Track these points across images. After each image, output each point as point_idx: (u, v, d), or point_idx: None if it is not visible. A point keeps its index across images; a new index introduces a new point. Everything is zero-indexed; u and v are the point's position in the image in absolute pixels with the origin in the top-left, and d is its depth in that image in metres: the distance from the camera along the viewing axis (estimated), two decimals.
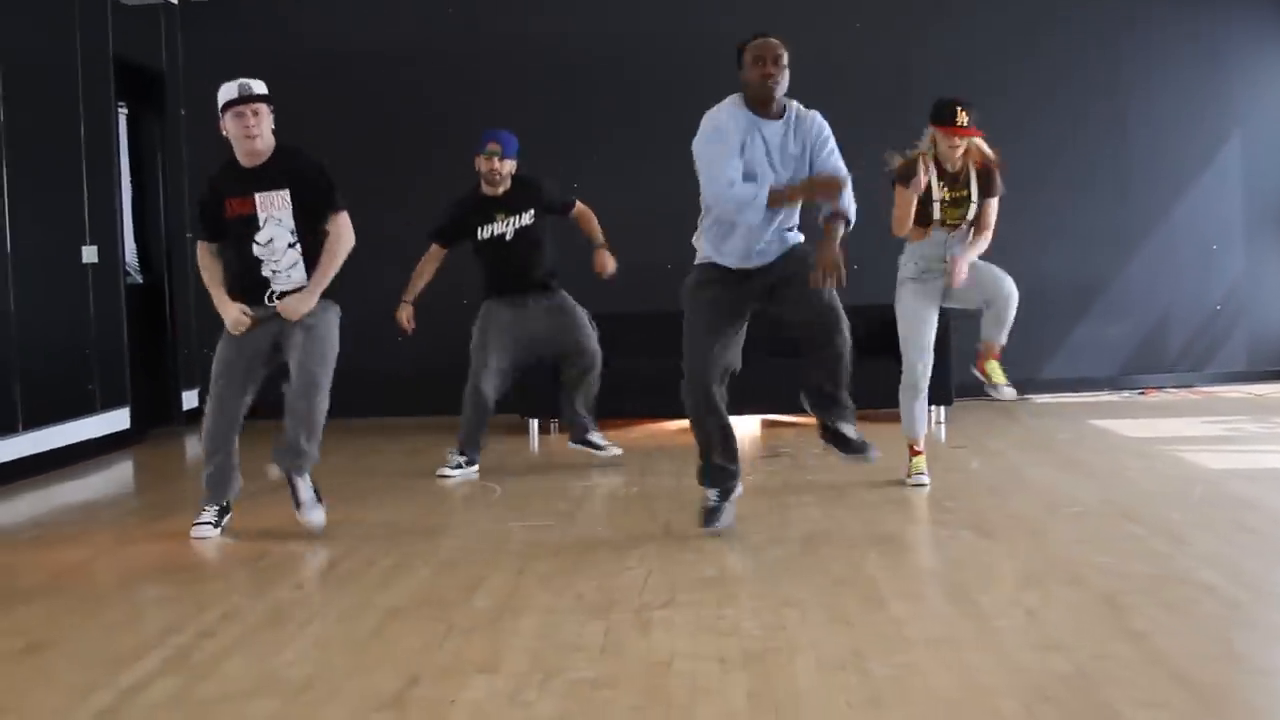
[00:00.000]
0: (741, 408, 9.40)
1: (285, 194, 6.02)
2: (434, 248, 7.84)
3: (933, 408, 9.24)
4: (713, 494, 5.97)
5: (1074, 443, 8.35)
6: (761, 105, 5.66)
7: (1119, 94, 10.96)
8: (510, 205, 7.67)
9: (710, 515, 5.94)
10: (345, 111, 10.71)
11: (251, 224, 6.01)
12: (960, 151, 6.74)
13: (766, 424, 9.67)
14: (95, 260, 9.37)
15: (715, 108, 5.73)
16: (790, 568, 5.38)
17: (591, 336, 7.83)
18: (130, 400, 9.78)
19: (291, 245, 6.06)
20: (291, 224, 6.04)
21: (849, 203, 5.69)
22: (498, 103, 10.35)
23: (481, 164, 7.64)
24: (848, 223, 5.71)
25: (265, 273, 6.07)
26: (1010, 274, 6.90)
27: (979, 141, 6.79)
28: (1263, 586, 4.96)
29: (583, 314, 7.87)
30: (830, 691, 3.80)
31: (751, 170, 5.63)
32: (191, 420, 10.78)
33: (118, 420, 9.62)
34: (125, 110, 10.36)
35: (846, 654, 4.15)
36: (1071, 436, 8.54)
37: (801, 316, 5.78)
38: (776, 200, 5.58)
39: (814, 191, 5.66)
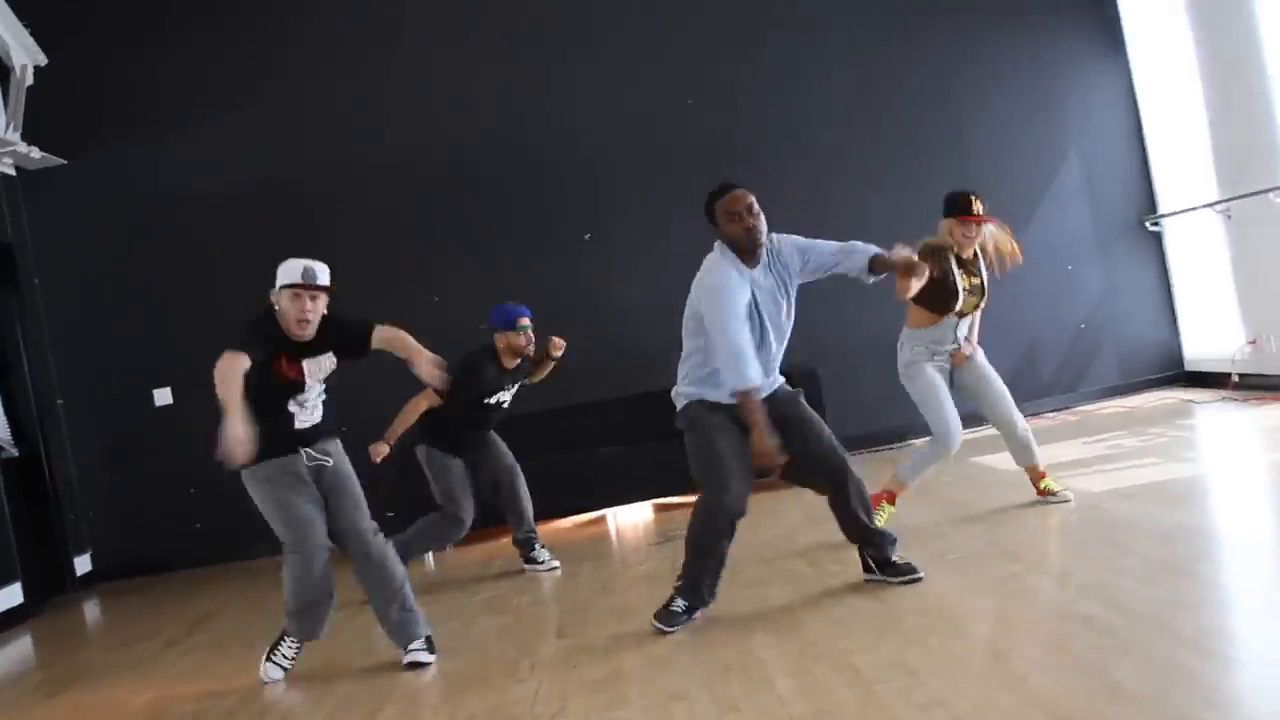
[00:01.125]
0: (631, 494, 9.57)
1: (331, 356, 6.07)
2: (430, 396, 7.75)
3: None
4: (680, 603, 5.93)
5: (955, 484, 8.41)
6: (748, 255, 5.76)
7: (956, 118, 11.18)
8: (515, 377, 7.90)
9: (673, 619, 5.88)
10: (189, 254, 10.70)
11: (296, 387, 5.99)
12: (975, 240, 7.00)
13: (657, 508, 9.66)
14: None
15: (713, 261, 5.79)
16: (679, 658, 5.38)
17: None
18: (20, 574, 9.58)
19: (321, 395, 6.12)
20: (324, 376, 6.08)
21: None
22: (335, 231, 10.44)
23: (521, 339, 7.69)
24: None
25: (296, 425, 6.03)
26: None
27: (992, 228, 7.09)
28: (1137, 608, 4.97)
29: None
30: None
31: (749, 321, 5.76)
32: (86, 584, 10.60)
33: (10, 596, 9.42)
34: None
35: None
36: (952, 478, 8.60)
37: (813, 455, 5.92)
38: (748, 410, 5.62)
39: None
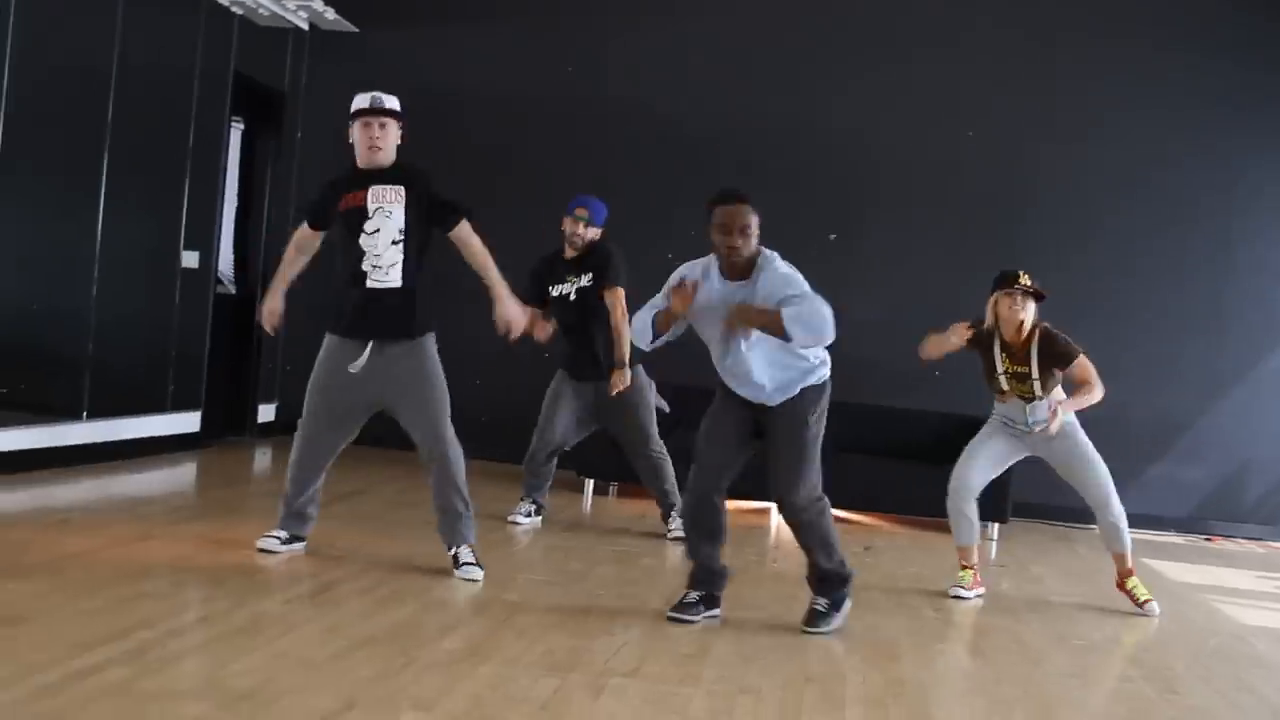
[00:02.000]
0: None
1: (401, 190, 6.04)
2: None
3: (986, 524, 9.18)
4: (693, 594, 5.93)
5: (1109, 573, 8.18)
6: (728, 270, 5.73)
7: (1227, 236, 10.77)
8: (580, 268, 7.83)
9: (681, 608, 5.87)
10: (453, 154, 10.90)
11: (361, 215, 6.01)
12: (1020, 316, 6.73)
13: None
14: (194, 265, 9.65)
15: (692, 263, 5.85)
16: (769, 659, 5.35)
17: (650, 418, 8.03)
18: (203, 404, 10.00)
19: (395, 242, 6.02)
20: (401, 222, 6.01)
21: (795, 329, 5.55)
22: (608, 166, 10.56)
23: (566, 224, 7.82)
24: (788, 336, 5.60)
25: (366, 265, 6.02)
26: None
27: (1032, 310, 6.77)
28: None
29: (648, 393, 8.03)
30: None
31: (714, 326, 5.73)
32: (265, 433, 11.00)
33: (187, 423, 9.84)
34: (241, 125, 10.67)
35: None
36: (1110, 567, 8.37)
37: (771, 471, 5.87)
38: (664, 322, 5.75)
39: (736, 325, 5.68)
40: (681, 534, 7.45)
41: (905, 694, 4.98)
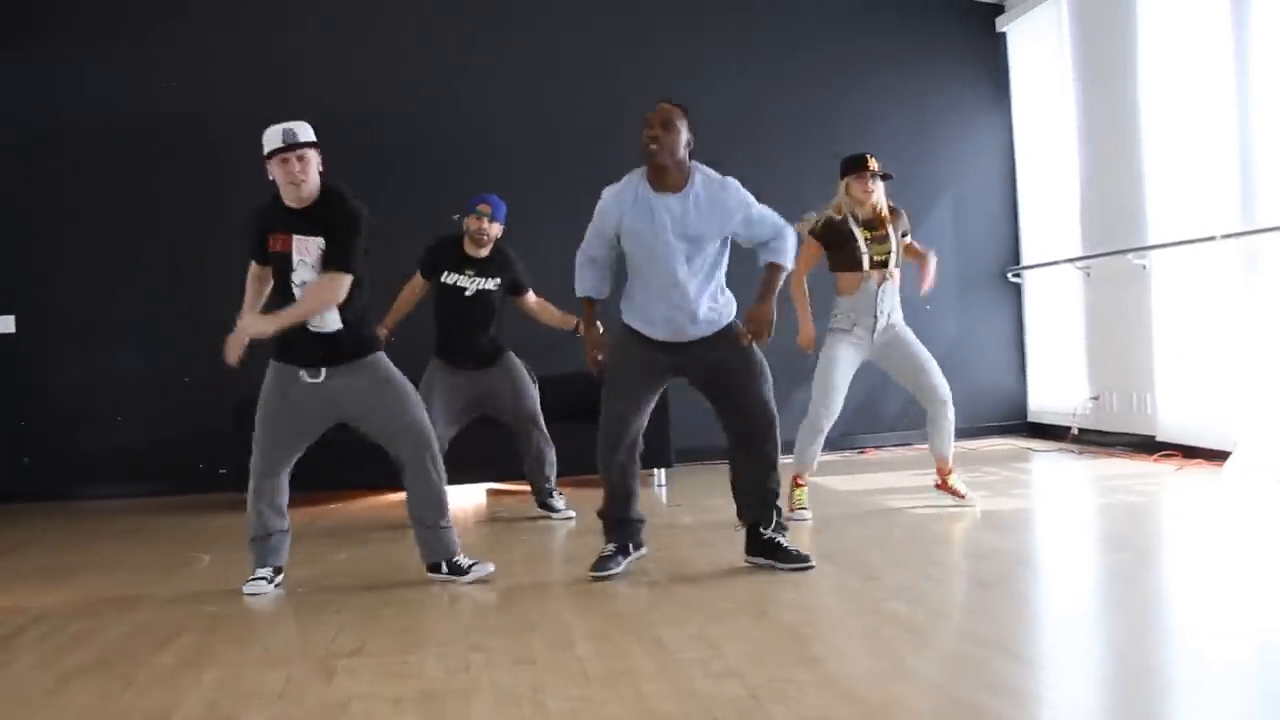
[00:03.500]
0: (464, 475, 9.47)
1: (320, 242, 5.77)
2: (417, 278, 8.00)
3: (654, 470, 9.37)
4: (609, 546, 5.97)
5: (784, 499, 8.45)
6: (655, 175, 5.69)
7: (834, 145, 11.14)
8: (484, 269, 7.83)
9: (600, 563, 5.91)
10: (56, 183, 10.43)
11: (287, 263, 5.78)
12: (873, 196, 7.27)
13: (491, 493, 9.61)
14: None
15: (614, 185, 5.79)
16: (485, 618, 5.34)
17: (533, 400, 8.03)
18: None
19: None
20: (314, 262, 5.79)
21: (787, 258, 5.83)
22: (212, 180, 10.25)
23: (471, 223, 7.74)
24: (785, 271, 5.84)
25: (309, 325, 5.82)
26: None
27: (883, 185, 7.40)
28: (944, 611, 5.10)
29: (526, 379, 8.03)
30: None
31: (652, 246, 5.69)
32: None
33: None
34: None
35: (525, 691, 4.10)
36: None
37: (734, 414, 5.90)
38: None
39: (764, 334, 5.83)
40: (569, 512, 7.87)
41: (628, 623, 5.02)
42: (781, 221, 5.86)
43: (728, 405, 5.93)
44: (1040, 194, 11.40)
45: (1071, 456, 9.89)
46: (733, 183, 5.79)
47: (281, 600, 5.91)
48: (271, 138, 5.75)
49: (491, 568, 6.09)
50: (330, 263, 5.74)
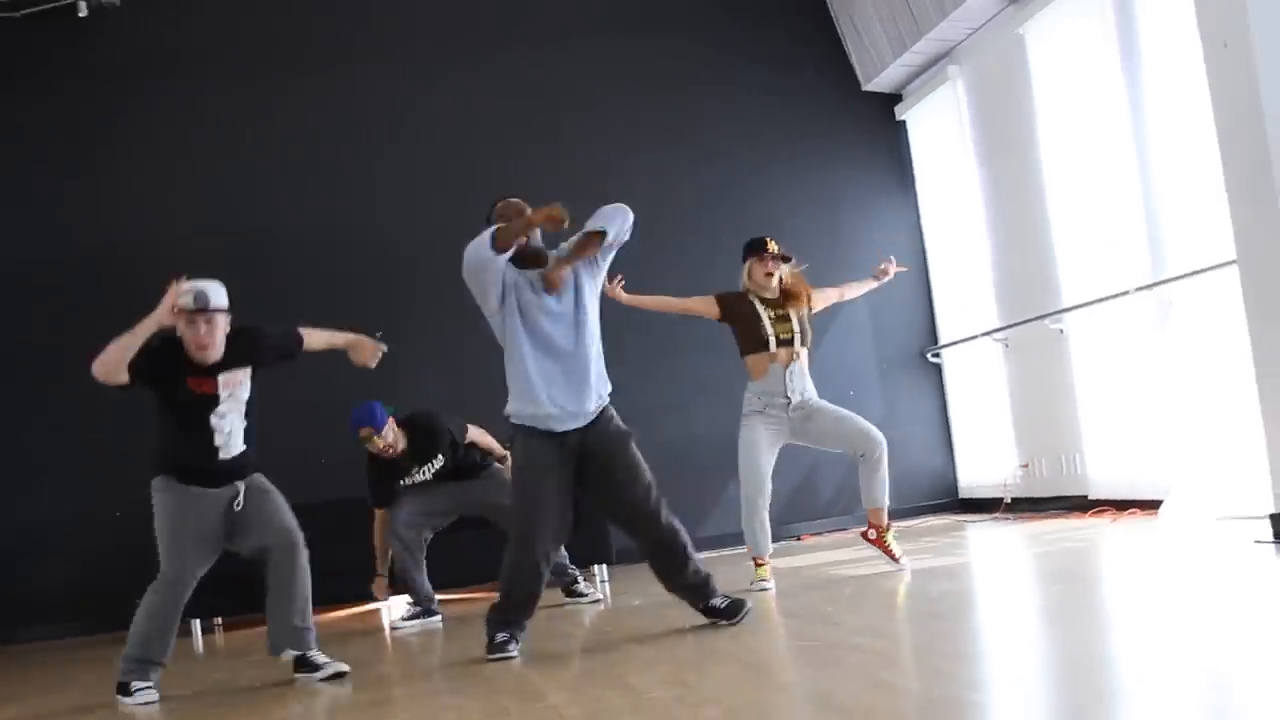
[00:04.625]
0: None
1: (247, 370, 5.96)
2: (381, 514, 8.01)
3: (596, 566, 9.33)
4: (503, 634, 5.85)
5: (733, 582, 8.46)
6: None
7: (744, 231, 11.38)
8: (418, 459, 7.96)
9: (500, 647, 5.77)
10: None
11: (212, 401, 5.87)
12: (774, 279, 7.45)
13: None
14: None
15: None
16: (456, 684, 5.37)
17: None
18: None
19: (244, 414, 5.98)
20: (247, 394, 5.98)
21: (615, 228, 5.83)
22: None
23: (372, 447, 7.79)
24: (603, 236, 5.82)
25: (217, 442, 5.89)
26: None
27: (786, 267, 7.53)
28: (905, 638, 5.22)
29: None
30: None
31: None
32: None
33: None
34: None
35: None
36: (731, 576, 8.67)
37: (627, 506, 5.91)
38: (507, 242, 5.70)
39: (576, 256, 5.84)
40: (594, 595, 7.95)
41: (597, 676, 5.03)
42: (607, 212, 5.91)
43: (619, 494, 5.93)
44: (952, 271, 11.63)
45: (1005, 523, 10.00)
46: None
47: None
48: (184, 297, 5.83)
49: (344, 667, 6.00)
50: (288, 347, 6.18)
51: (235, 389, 5.92)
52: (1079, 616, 5.30)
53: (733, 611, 5.92)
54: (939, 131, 11.54)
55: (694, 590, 6.01)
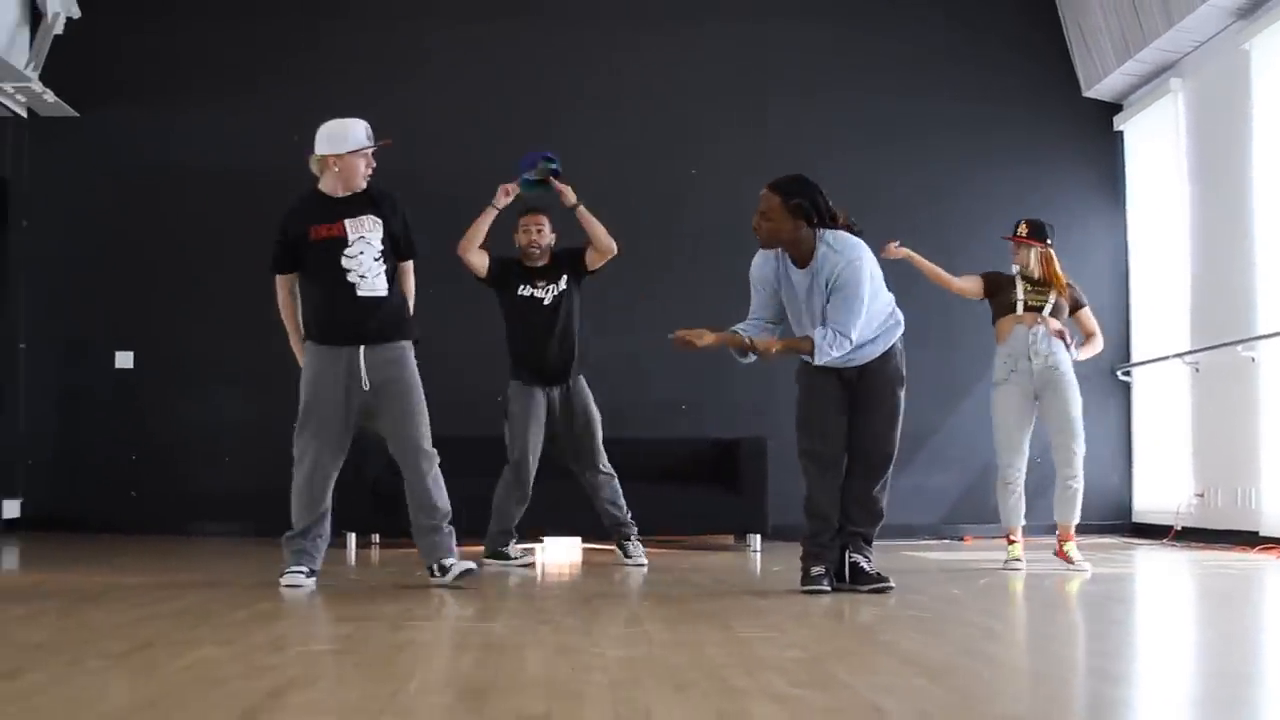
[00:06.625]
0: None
1: (376, 219, 6.10)
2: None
3: (750, 536, 9.37)
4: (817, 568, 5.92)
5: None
6: (797, 260, 5.83)
7: (952, 234, 11.21)
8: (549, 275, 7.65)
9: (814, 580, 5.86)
10: (180, 228, 10.78)
11: (340, 244, 6.03)
12: (1029, 258, 7.68)
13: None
14: None
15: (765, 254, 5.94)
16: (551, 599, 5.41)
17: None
18: None
19: (377, 259, 6.06)
20: (380, 245, 6.07)
21: (818, 351, 5.77)
22: None
23: (520, 238, 7.57)
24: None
25: (352, 278, 6.03)
26: None
27: (1035, 250, 7.71)
28: (1019, 620, 5.19)
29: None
30: None
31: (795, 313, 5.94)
32: (11, 528, 10.48)
33: None
34: None
35: (586, 644, 4.17)
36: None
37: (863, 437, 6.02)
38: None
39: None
40: (643, 560, 7.53)
41: (697, 613, 5.06)
42: (849, 328, 5.71)
43: (862, 423, 5.96)
44: (1151, 290, 11.34)
45: (1172, 549, 9.75)
46: (845, 259, 5.73)
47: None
48: (355, 136, 6.09)
49: (466, 566, 6.05)
50: (406, 247, 6.22)
51: (366, 234, 6.05)
52: (1213, 630, 5.18)
53: (867, 579, 5.89)
54: (1156, 144, 11.24)
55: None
